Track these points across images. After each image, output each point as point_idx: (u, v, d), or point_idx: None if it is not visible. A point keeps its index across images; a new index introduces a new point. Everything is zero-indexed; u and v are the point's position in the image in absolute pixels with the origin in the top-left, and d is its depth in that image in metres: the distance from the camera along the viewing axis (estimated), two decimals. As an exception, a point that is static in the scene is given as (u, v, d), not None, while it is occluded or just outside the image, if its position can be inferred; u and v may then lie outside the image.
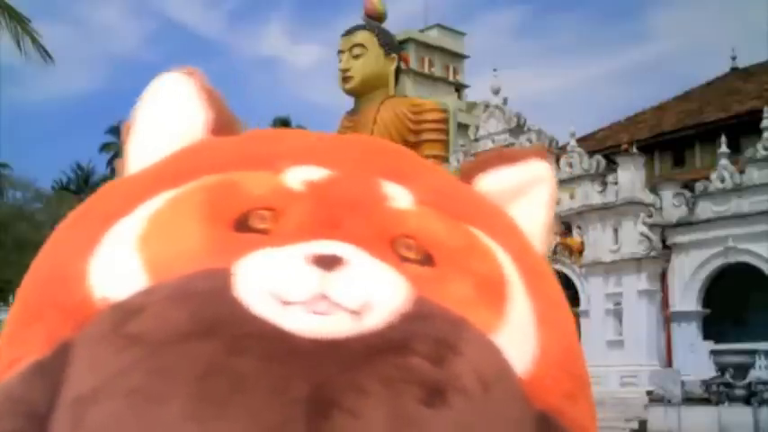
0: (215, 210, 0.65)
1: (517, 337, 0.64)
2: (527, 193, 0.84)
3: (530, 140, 21.98)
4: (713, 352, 16.43)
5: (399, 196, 0.71)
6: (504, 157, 0.85)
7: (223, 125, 0.80)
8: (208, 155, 0.75)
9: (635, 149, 21.21)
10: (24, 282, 0.68)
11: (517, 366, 0.62)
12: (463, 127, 20.15)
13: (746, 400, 14.56)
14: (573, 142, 22.19)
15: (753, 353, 15.63)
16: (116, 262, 0.63)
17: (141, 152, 0.77)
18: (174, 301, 0.56)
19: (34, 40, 11.63)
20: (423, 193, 0.72)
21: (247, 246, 0.61)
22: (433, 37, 40.13)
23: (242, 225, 0.64)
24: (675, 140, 25.22)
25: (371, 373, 0.53)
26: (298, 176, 0.69)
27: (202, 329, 0.54)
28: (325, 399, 0.51)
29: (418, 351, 0.55)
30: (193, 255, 0.61)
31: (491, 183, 0.82)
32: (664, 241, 20.15)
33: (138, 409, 0.52)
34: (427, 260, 0.65)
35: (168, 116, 0.79)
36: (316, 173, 0.71)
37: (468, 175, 0.84)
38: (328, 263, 0.59)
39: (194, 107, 0.79)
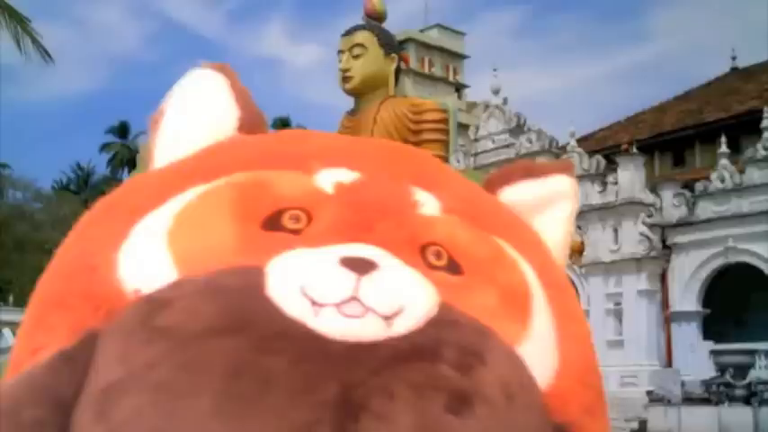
0: (246, 207, 0.65)
1: (539, 350, 0.64)
2: (550, 208, 0.83)
3: (530, 140, 21.98)
4: (713, 352, 16.41)
5: (428, 203, 0.71)
6: (529, 170, 0.85)
7: (252, 123, 0.80)
8: (238, 152, 0.74)
9: (635, 149, 21.20)
10: (48, 270, 0.67)
11: (539, 378, 0.62)
12: (463, 127, 20.15)
13: (746, 400, 14.55)
14: (573, 142, 22.17)
15: (753, 353, 15.61)
16: (146, 255, 0.62)
17: (170, 146, 0.76)
18: (204, 295, 0.56)
19: (34, 40, 11.62)
20: (450, 201, 0.72)
21: (279, 245, 0.61)
22: (433, 37, 40.11)
23: (273, 224, 0.64)
24: (675, 140, 25.20)
25: (400, 378, 0.53)
26: (329, 178, 0.69)
27: (232, 326, 0.53)
28: (354, 401, 0.51)
29: (446, 358, 0.55)
30: (224, 251, 0.61)
31: (516, 195, 0.83)
32: (664, 241, 20.14)
33: (165, 404, 0.51)
34: (455, 268, 0.65)
35: (199, 112, 0.78)
36: (347, 175, 0.70)
37: (492, 185, 0.84)
38: (361, 266, 0.59)
39: (225, 104, 0.79)
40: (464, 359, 0.56)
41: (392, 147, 0.84)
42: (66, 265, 0.66)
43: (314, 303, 0.55)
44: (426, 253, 0.65)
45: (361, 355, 0.53)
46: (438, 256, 0.65)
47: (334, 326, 0.54)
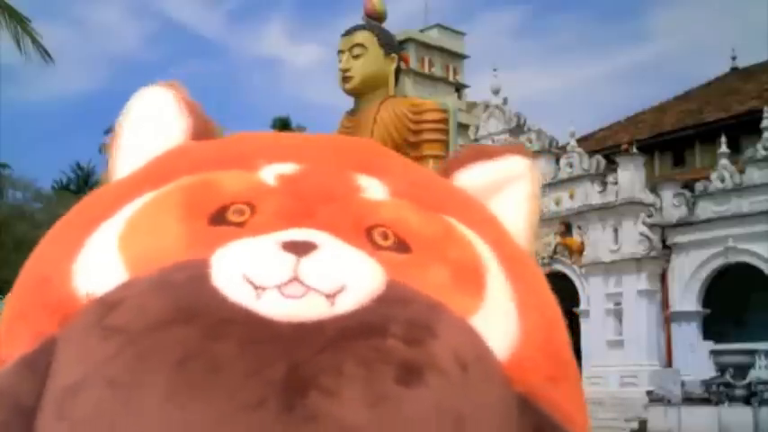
0: (192, 207, 0.67)
1: (496, 321, 0.65)
2: (506, 188, 0.85)
3: (530, 140, 21.98)
4: (713, 352, 16.41)
5: (373, 188, 0.73)
6: (481, 152, 0.87)
7: (202, 131, 0.83)
8: (186, 158, 0.77)
9: (635, 149, 21.21)
10: (15, 285, 0.70)
11: (497, 349, 0.63)
12: (463, 127, 20.16)
13: (746, 400, 14.55)
14: (573, 142, 22.18)
15: (753, 353, 15.61)
16: (98, 261, 0.65)
17: (126, 161, 0.80)
18: (153, 291, 0.58)
19: (34, 40, 11.63)
20: (397, 186, 0.74)
21: (223, 237, 0.63)
22: (433, 37, 40.12)
23: (219, 219, 0.66)
24: (675, 140, 25.20)
25: (347, 354, 0.54)
26: (271, 172, 0.72)
27: (180, 317, 0.55)
28: (302, 379, 0.52)
29: (394, 333, 0.56)
30: (172, 249, 0.63)
31: (469, 178, 0.84)
32: (664, 241, 20.15)
33: (121, 396, 0.53)
34: (403, 248, 0.66)
35: (150, 125, 0.82)
36: (288, 168, 0.73)
37: (447, 170, 0.86)
38: (301, 248, 0.60)
39: (173, 115, 0.83)
40: (414, 333, 0.57)
41: (337, 139, 0.88)
42: (27, 280, 0.69)
43: (256, 288, 0.57)
44: (372, 234, 0.66)
45: (306, 335, 0.55)
46: (384, 236, 0.66)
47: (277, 308, 0.56)
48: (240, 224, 0.66)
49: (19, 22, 11.48)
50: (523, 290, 0.69)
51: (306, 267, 0.59)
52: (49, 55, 11.87)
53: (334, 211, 0.67)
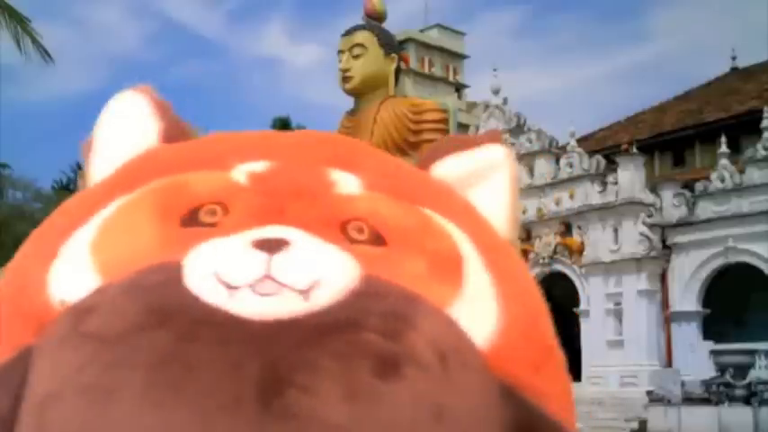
0: (164, 209, 0.67)
1: (475, 311, 0.64)
2: (485, 178, 0.84)
3: (530, 140, 21.99)
4: (713, 352, 16.42)
5: (347, 182, 0.72)
6: (458, 143, 0.86)
7: (175, 134, 0.83)
8: (158, 160, 0.77)
9: (635, 149, 21.21)
10: None
11: (477, 339, 0.62)
12: (463, 127, 20.15)
13: (746, 400, 14.55)
14: (573, 142, 22.19)
15: (753, 353, 15.62)
16: (71, 268, 0.65)
17: (101, 167, 0.80)
18: (126, 296, 0.58)
19: (34, 40, 11.62)
20: (372, 179, 0.73)
21: (195, 238, 0.63)
22: (433, 37, 40.13)
23: (191, 221, 0.66)
24: (675, 140, 25.21)
25: (323, 349, 0.54)
26: (243, 171, 0.71)
27: (154, 321, 0.55)
28: (278, 377, 0.52)
29: (370, 326, 0.56)
30: (144, 253, 0.63)
31: (447, 169, 0.83)
32: (664, 241, 20.15)
33: (96, 404, 0.53)
34: (379, 241, 0.66)
35: (123, 130, 0.82)
36: (259, 166, 0.72)
37: (424, 162, 0.85)
38: (272, 246, 0.60)
39: (145, 119, 0.83)
40: (391, 325, 0.56)
41: (311, 135, 0.86)
42: (3, 289, 0.69)
43: (228, 287, 0.56)
44: (347, 229, 0.66)
45: (281, 332, 0.54)
46: (360, 230, 0.66)
47: (251, 306, 0.55)
48: (212, 224, 0.65)
49: (19, 22, 11.48)
50: (503, 279, 0.69)
51: (278, 264, 0.58)
52: (49, 55, 11.87)
53: (306, 206, 0.67)
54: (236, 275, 0.57)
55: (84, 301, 0.60)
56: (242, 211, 0.66)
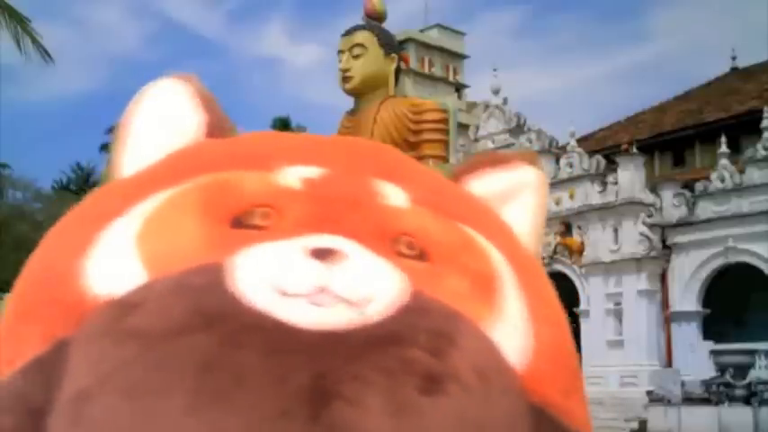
0: (212, 207, 0.66)
1: (511, 332, 0.64)
2: (516, 198, 0.85)
3: (530, 140, 21.98)
4: (713, 352, 16.42)
5: (394, 195, 0.72)
6: (494, 160, 0.87)
7: (218, 128, 0.81)
8: (204, 156, 0.75)
9: (635, 149, 21.21)
10: (18, 282, 0.68)
11: (513, 360, 0.62)
12: (463, 127, 20.16)
13: (746, 400, 14.55)
14: (573, 142, 22.18)
15: (753, 353, 15.61)
16: (114, 260, 0.63)
17: (137, 155, 0.77)
18: (173, 295, 0.57)
19: (34, 40, 11.62)
20: (417, 193, 0.73)
21: (245, 241, 0.62)
22: (433, 37, 40.13)
23: (239, 222, 0.65)
24: (675, 140, 25.21)
25: (372, 364, 0.53)
26: (294, 175, 0.70)
27: (201, 323, 0.54)
28: (326, 389, 0.52)
29: (418, 343, 0.55)
30: (191, 251, 0.62)
31: (481, 185, 0.84)
32: (664, 241, 20.14)
33: (137, 404, 0.52)
34: (423, 256, 0.66)
35: (164, 120, 0.79)
36: (311, 171, 0.71)
37: (460, 176, 0.85)
38: (328, 256, 0.59)
39: (190, 111, 0.80)
40: (436, 343, 0.56)
41: (356, 143, 0.85)
42: (34, 276, 0.67)
43: (283, 294, 0.56)
44: (396, 243, 0.65)
45: (332, 344, 0.54)
46: (409, 246, 0.66)
47: (305, 316, 0.55)
48: (263, 227, 0.64)
49: (19, 22, 11.47)
50: (536, 301, 0.69)
51: (335, 276, 0.58)
52: (49, 55, 11.87)
53: (359, 218, 0.66)
54: (293, 283, 0.57)
55: (129, 297, 0.58)
56: (296, 217, 0.65)
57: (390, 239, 0.66)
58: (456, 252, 0.68)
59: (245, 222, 0.65)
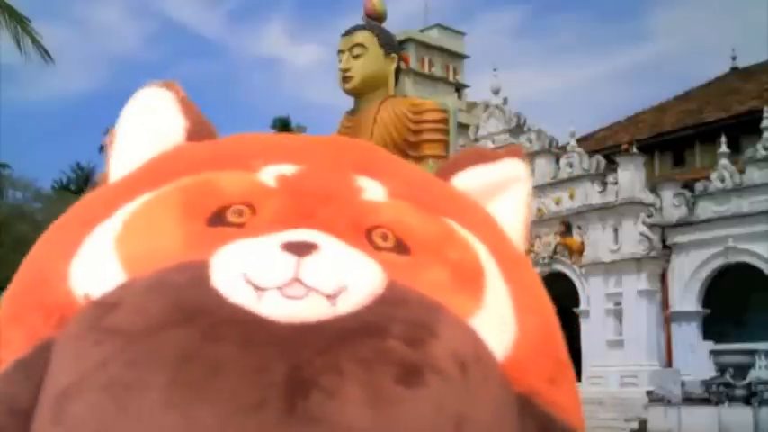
0: (191, 207, 0.67)
1: (495, 322, 0.65)
2: (504, 191, 0.85)
3: (530, 140, 21.98)
4: (713, 352, 16.41)
5: (373, 189, 0.73)
6: (480, 155, 0.88)
7: (199, 132, 0.83)
8: (184, 158, 0.77)
9: (635, 149, 21.20)
10: (9, 287, 0.69)
11: (496, 350, 0.63)
12: (463, 127, 20.15)
13: (746, 400, 14.55)
14: (573, 142, 22.18)
15: (753, 353, 15.60)
16: (95, 261, 0.64)
17: (123, 162, 0.80)
18: (152, 292, 0.58)
19: (34, 40, 11.61)
20: (396, 187, 0.74)
21: (223, 238, 0.63)
22: (433, 37, 40.12)
23: (217, 220, 0.66)
24: (675, 140, 25.19)
25: (348, 354, 0.54)
26: (271, 173, 0.72)
27: (179, 319, 0.55)
28: (303, 379, 0.52)
29: (395, 333, 0.56)
30: (170, 250, 0.63)
31: (468, 180, 0.85)
32: (664, 241, 20.14)
33: (118, 399, 0.53)
34: (402, 249, 0.66)
35: (148, 126, 0.82)
36: (288, 169, 0.73)
37: (445, 172, 0.86)
38: (301, 249, 0.60)
39: (171, 116, 0.83)
40: (414, 333, 0.57)
41: (336, 140, 0.87)
42: (21, 281, 0.68)
43: (257, 288, 0.57)
44: (372, 235, 0.66)
45: (307, 335, 0.54)
46: (384, 237, 0.66)
47: (279, 308, 0.56)
48: (239, 225, 0.65)
49: (19, 22, 11.47)
50: (521, 291, 0.70)
51: (307, 268, 0.59)
52: (49, 55, 11.86)
53: (333, 211, 0.67)
54: (265, 277, 0.58)
55: (108, 296, 0.59)
56: (270, 214, 0.67)
57: (365, 232, 0.66)
58: (436, 244, 0.68)
59: (221, 221, 0.66)
